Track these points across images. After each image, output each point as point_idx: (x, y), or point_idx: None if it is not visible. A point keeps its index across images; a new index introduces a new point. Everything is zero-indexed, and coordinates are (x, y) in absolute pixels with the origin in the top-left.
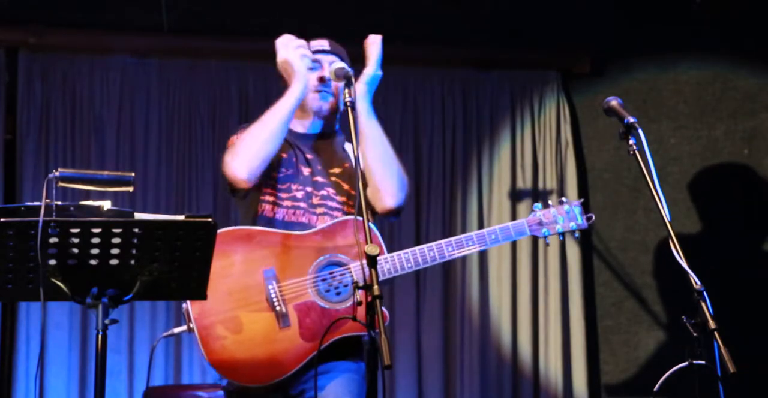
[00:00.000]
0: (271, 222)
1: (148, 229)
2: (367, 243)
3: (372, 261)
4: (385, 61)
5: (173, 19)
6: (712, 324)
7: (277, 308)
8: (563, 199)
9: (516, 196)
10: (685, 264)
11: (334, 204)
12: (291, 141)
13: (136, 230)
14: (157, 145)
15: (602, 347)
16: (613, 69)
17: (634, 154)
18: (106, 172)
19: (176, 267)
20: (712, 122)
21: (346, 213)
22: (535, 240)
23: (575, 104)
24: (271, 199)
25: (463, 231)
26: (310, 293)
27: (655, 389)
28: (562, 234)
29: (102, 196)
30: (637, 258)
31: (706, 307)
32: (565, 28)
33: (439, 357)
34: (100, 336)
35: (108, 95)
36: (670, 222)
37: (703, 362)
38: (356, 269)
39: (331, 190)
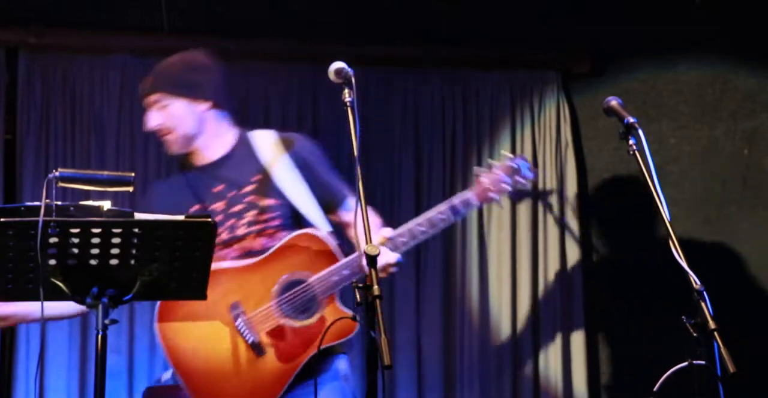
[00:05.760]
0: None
1: (148, 229)
2: (367, 243)
3: (372, 261)
4: (386, 61)
5: (173, 19)
6: (712, 324)
7: (250, 340)
8: (507, 153)
9: (516, 196)
10: (685, 264)
11: (261, 225)
12: (196, 182)
13: (136, 230)
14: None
15: (602, 347)
16: (613, 69)
17: (634, 154)
18: (106, 172)
19: (176, 267)
20: (712, 122)
21: (280, 225)
22: (535, 240)
23: (575, 104)
24: None
25: (463, 231)
26: (278, 317)
27: (655, 389)
28: (514, 192)
29: (102, 196)
30: (637, 258)
31: (706, 307)
32: (565, 28)
33: (439, 357)
34: (100, 336)
35: (108, 95)
36: (670, 222)
37: (703, 362)
38: (315, 281)
39: (251, 213)
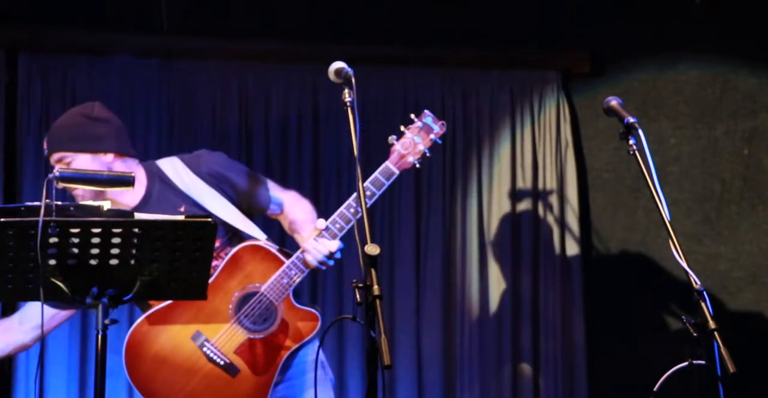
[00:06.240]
0: None
1: (148, 229)
2: (367, 243)
3: (372, 261)
4: (385, 60)
5: (173, 19)
6: (712, 324)
7: (221, 363)
8: (412, 117)
9: (516, 196)
10: (685, 264)
11: None
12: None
13: (136, 230)
14: (156, 145)
15: (602, 347)
16: (613, 69)
17: (634, 154)
18: (106, 172)
19: (176, 267)
20: (712, 122)
21: (222, 245)
22: (536, 239)
23: (575, 104)
24: None
25: (463, 232)
26: (242, 333)
27: (655, 389)
28: (429, 149)
29: None
30: (637, 258)
31: (706, 307)
32: (565, 28)
33: (439, 357)
34: (100, 336)
35: (108, 95)
36: (670, 222)
37: (703, 362)
38: (267, 289)
39: None
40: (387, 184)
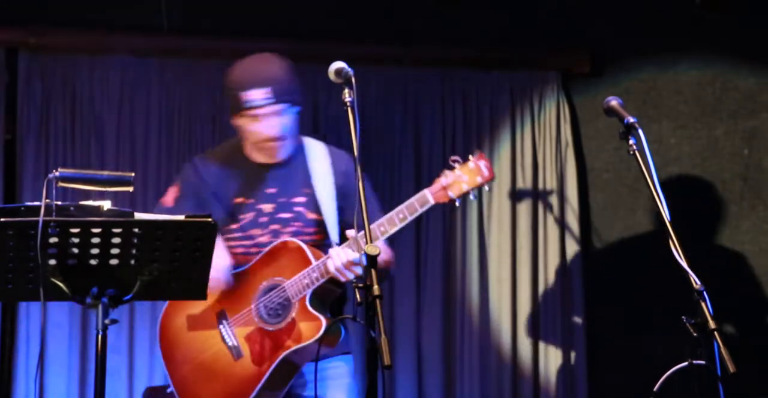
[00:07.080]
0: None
1: (148, 229)
2: (367, 243)
3: (372, 261)
4: (385, 61)
5: (173, 19)
6: (712, 324)
7: (229, 343)
8: (470, 156)
9: (516, 196)
10: (685, 264)
11: (307, 237)
12: (250, 176)
13: (136, 230)
14: (157, 144)
15: (602, 347)
16: (613, 69)
17: (634, 154)
18: (106, 172)
19: (176, 267)
20: (712, 122)
21: (316, 242)
22: (535, 240)
23: (575, 104)
24: (240, 249)
25: (463, 231)
26: (256, 321)
27: (655, 389)
28: (474, 191)
29: (102, 195)
30: (637, 258)
31: (706, 307)
32: (565, 28)
33: (439, 357)
34: (100, 336)
35: (108, 95)
36: (670, 222)
37: (703, 362)
38: (290, 285)
39: (298, 223)
40: (420, 210)
